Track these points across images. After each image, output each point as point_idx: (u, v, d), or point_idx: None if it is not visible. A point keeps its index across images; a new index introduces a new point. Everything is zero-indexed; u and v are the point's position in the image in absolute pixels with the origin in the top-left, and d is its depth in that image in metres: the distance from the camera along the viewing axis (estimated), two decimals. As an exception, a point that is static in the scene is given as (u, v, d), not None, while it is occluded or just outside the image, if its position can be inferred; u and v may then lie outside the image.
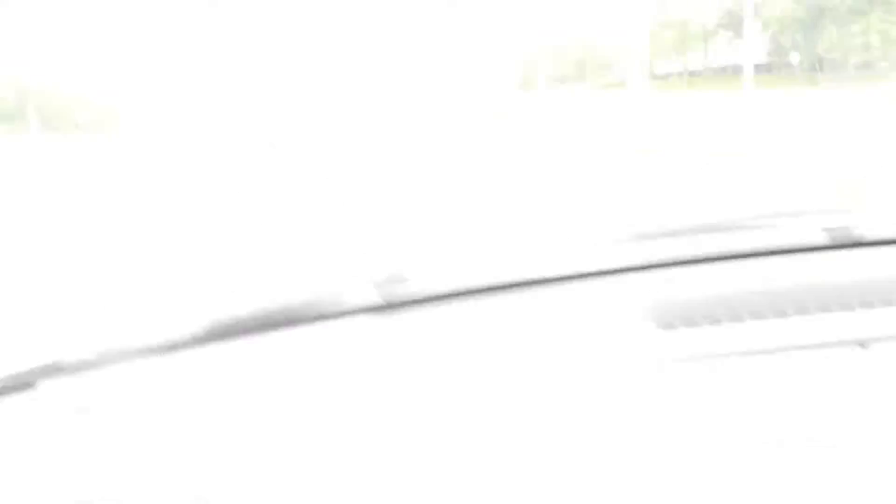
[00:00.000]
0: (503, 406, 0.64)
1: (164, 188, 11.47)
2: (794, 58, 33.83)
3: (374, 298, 0.83)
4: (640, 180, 9.39)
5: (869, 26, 29.78)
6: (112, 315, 4.00)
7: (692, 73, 40.78)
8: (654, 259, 0.96)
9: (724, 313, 0.81)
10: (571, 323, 0.82)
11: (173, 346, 0.81)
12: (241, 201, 9.25)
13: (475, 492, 0.53)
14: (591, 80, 41.67)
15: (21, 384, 0.80)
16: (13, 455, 0.65)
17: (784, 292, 0.85)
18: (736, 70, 34.06)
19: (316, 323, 0.83)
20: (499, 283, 0.90)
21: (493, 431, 0.61)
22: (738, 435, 0.60)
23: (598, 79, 41.32)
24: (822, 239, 0.98)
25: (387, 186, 10.04)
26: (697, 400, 0.65)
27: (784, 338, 0.77)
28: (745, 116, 17.97)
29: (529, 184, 9.73)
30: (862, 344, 0.76)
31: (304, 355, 0.79)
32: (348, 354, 0.79)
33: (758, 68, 31.55)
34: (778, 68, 35.37)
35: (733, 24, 34.39)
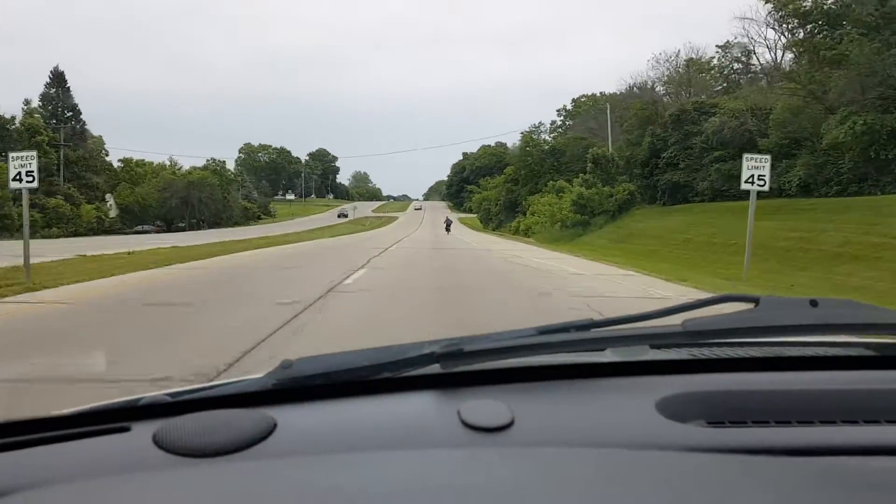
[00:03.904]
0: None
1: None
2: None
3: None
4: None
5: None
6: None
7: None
8: (712, 357, 1.07)
9: (771, 415, 0.87)
10: (612, 414, 0.88)
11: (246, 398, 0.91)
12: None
13: None
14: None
15: (116, 427, 0.84)
16: (106, 497, 0.65)
17: (832, 401, 0.90)
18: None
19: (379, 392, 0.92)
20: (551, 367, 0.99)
21: None
22: None
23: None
24: (869, 354, 1.09)
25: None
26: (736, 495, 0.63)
27: (828, 442, 0.80)
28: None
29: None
30: None
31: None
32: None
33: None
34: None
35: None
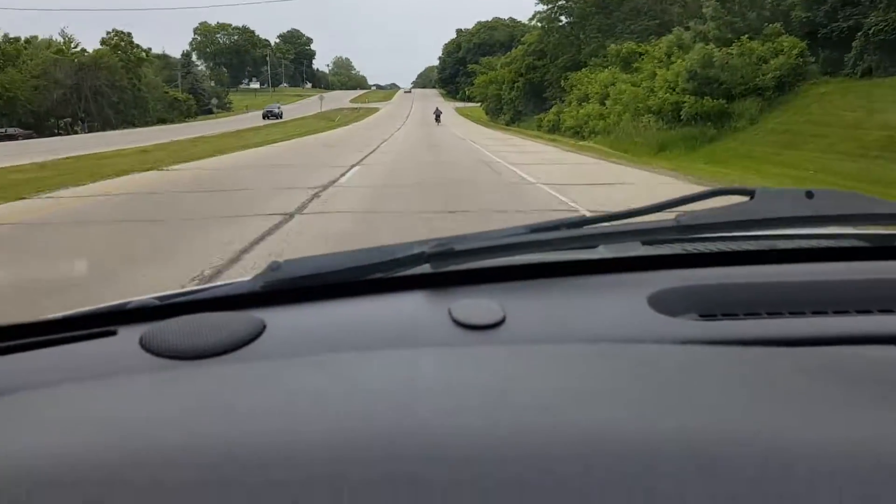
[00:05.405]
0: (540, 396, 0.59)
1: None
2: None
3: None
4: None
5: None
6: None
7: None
8: (704, 251, 1.07)
9: (763, 307, 0.88)
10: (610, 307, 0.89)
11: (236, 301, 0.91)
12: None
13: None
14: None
15: (102, 331, 0.83)
16: (91, 400, 0.64)
17: (824, 292, 0.91)
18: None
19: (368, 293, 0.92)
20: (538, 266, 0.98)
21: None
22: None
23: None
24: (863, 244, 1.10)
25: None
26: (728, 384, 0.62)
27: (819, 333, 0.81)
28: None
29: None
30: None
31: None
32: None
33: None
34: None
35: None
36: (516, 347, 0.74)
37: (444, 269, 0.91)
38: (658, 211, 0.95)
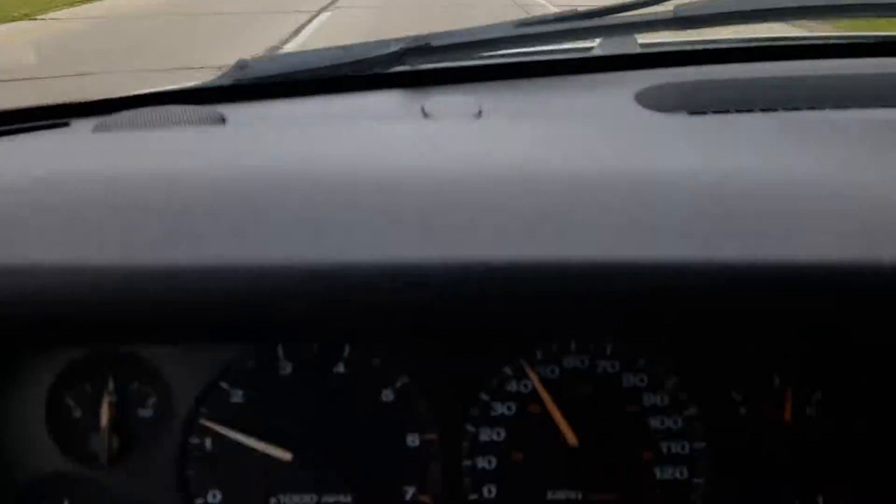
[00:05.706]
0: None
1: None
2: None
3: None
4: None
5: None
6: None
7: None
8: (700, 49, 1.00)
9: (757, 104, 0.85)
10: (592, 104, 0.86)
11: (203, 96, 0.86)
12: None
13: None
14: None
15: (54, 123, 0.81)
16: (47, 190, 0.59)
17: (822, 87, 0.87)
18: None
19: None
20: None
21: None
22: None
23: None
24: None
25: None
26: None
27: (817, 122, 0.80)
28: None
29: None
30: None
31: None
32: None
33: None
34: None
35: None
36: (491, 137, 0.70)
37: (421, 66, 0.87)
38: (655, 4, 0.88)
